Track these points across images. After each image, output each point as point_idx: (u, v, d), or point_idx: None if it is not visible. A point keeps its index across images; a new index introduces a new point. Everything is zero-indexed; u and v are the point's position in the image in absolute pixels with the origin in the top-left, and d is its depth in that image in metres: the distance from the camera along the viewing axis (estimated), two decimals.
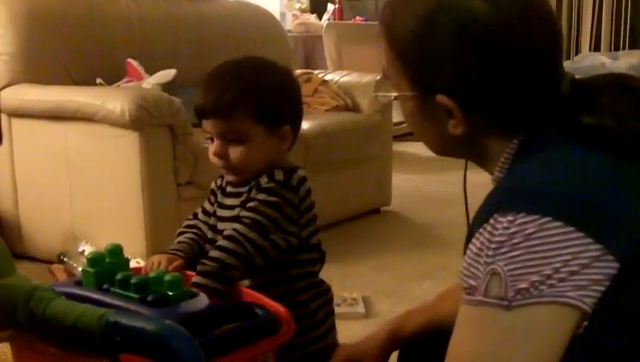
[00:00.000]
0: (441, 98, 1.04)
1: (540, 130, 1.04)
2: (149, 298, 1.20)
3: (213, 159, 1.52)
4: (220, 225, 1.53)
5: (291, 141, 1.55)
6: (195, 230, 1.58)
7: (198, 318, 1.19)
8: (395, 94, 1.12)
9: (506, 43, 1.02)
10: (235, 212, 1.50)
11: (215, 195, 1.59)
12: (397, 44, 1.08)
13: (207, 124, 1.51)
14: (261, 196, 1.47)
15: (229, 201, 1.55)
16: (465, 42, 1.02)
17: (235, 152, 1.49)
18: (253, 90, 1.48)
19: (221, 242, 1.44)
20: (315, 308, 1.54)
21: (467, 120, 1.05)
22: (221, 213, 1.55)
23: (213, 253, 1.42)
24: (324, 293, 1.58)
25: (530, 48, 1.03)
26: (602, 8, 7.02)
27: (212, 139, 1.52)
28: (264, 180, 1.49)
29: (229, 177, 1.55)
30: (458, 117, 1.05)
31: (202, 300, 1.25)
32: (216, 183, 1.61)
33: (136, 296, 1.21)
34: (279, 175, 1.49)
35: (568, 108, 1.04)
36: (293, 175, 1.50)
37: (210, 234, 1.55)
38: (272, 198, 1.47)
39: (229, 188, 1.56)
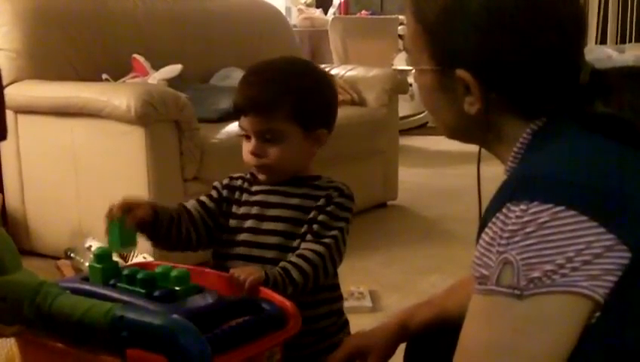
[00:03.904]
0: (461, 73, 1.04)
1: (555, 118, 1.04)
2: (156, 293, 1.20)
3: (249, 158, 1.51)
4: (247, 223, 1.52)
5: (324, 144, 1.57)
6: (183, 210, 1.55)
7: (204, 313, 1.19)
8: (416, 67, 1.12)
9: (534, 24, 1.02)
10: (279, 212, 1.51)
11: (227, 193, 1.57)
12: (423, 16, 1.08)
13: (245, 121, 1.50)
14: (338, 212, 1.50)
15: (258, 198, 1.54)
16: (494, 19, 1.02)
17: (272, 151, 1.49)
18: (294, 90, 1.49)
19: (313, 257, 1.44)
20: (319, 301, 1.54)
21: (484, 98, 1.05)
22: (248, 210, 1.53)
23: (304, 266, 1.42)
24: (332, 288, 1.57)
25: (555, 33, 1.03)
26: (608, 1, 7.00)
27: (247, 137, 1.51)
28: (334, 193, 1.50)
29: (260, 176, 1.54)
30: (475, 93, 1.05)
31: (209, 295, 1.25)
32: (229, 183, 1.59)
33: (143, 291, 1.21)
34: (346, 189, 1.53)
35: (585, 97, 1.03)
36: (347, 186, 1.55)
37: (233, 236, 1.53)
38: (346, 214, 1.51)
39: (256, 187, 1.55)
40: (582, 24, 1.08)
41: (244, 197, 1.56)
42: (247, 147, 1.51)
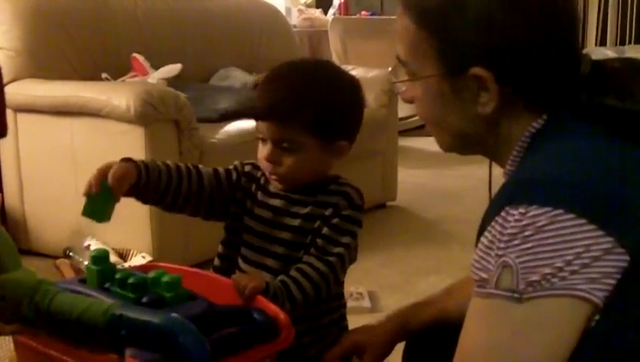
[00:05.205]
0: (477, 70, 1.02)
1: (556, 118, 1.04)
2: (144, 299, 1.18)
3: (263, 163, 1.46)
4: (259, 227, 1.48)
5: (346, 155, 1.50)
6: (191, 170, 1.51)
7: (193, 321, 1.16)
8: (417, 78, 1.09)
9: (545, 9, 1.02)
10: (289, 220, 1.46)
11: (245, 182, 1.52)
12: (426, 17, 1.05)
13: (262, 126, 1.44)
14: (346, 226, 1.45)
15: (273, 202, 1.48)
16: (508, 7, 1.01)
17: (287, 161, 1.43)
18: (315, 101, 1.42)
19: (315, 277, 1.39)
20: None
21: (500, 93, 1.03)
22: (262, 212, 1.49)
23: (305, 285, 1.38)
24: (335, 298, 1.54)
25: (566, 18, 1.04)
26: (608, 2, 6.99)
27: (263, 140, 1.45)
28: (343, 203, 1.45)
29: (273, 183, 1.48)
30: (493, 89, 1.03)
31: (199, 303, 1.22)
32: (250, 172, 1.53)
33: (133, 296, 1.19)
34: (357, 198, 1.48)
35: (590, 89, 1.03)
36: (359, 193, 1.49)
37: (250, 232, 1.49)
38: (354, 228, 1.46)
39: (273, 188, 1.49)
40: (577, 19, 1.08)
41: (260, 195, 1.50)
42: (262, 151, 1.45)
